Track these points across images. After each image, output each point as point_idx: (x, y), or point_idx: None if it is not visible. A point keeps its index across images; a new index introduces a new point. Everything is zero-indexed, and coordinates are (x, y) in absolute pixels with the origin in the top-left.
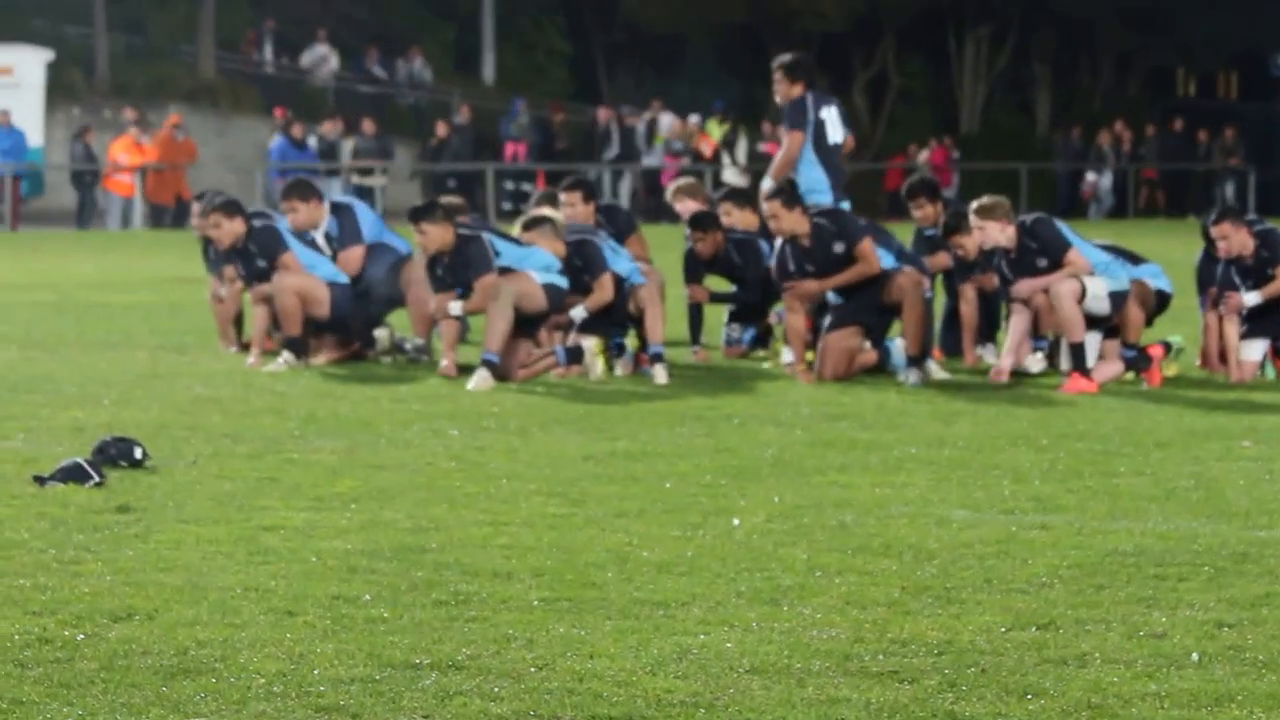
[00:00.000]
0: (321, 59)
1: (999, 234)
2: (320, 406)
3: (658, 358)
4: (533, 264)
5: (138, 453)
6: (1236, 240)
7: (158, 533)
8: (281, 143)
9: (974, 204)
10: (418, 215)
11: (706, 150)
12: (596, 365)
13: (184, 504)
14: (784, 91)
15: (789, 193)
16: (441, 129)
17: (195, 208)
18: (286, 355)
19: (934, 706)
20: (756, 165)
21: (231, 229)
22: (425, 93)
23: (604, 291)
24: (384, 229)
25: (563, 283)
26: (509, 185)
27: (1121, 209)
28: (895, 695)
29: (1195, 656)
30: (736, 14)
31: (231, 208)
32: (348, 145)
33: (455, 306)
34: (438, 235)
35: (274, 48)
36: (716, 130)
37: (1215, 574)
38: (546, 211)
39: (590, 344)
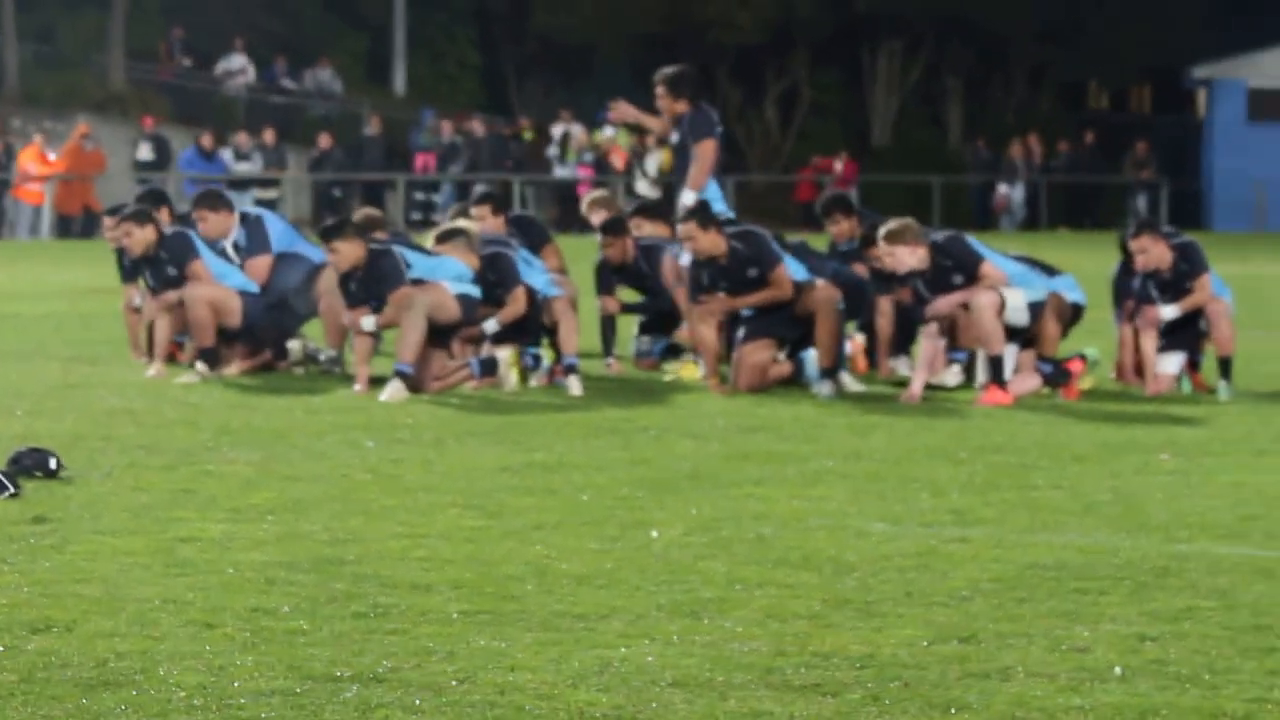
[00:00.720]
0: (239, 70)
1: (909, 257)
2: (234, 418)
3: (571, 369)
4: (445, 274)
5: (52, 463)
6: (1155, 253)
7: (74, 544)
8: (189, 153)
9: (881, 229)
10: (329, 234)
11: (618, 162)
12: (511, 377)
13: (100, 515)
14: (667, 106)
15: (703, 214)
16: (324, 141)
17: (108, 220)
18: (200, 366)
19: None
20: (668, 177)
21: (143, 237)
22: (336, 103)
23: (517, 305)
24: (297, 238)
25: (476, 292)
26: (419, 195)
27: (1034, 221)
28: (819, 709)
29: (1119, 670)
30: (650, 26)
31: (142, 216)
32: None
33: (368, 322)
34: (349, 252)
35: (185, 58)
36: (624, 140)
37: (1136, 588)
38: (461, 224)
39: (505, 355)
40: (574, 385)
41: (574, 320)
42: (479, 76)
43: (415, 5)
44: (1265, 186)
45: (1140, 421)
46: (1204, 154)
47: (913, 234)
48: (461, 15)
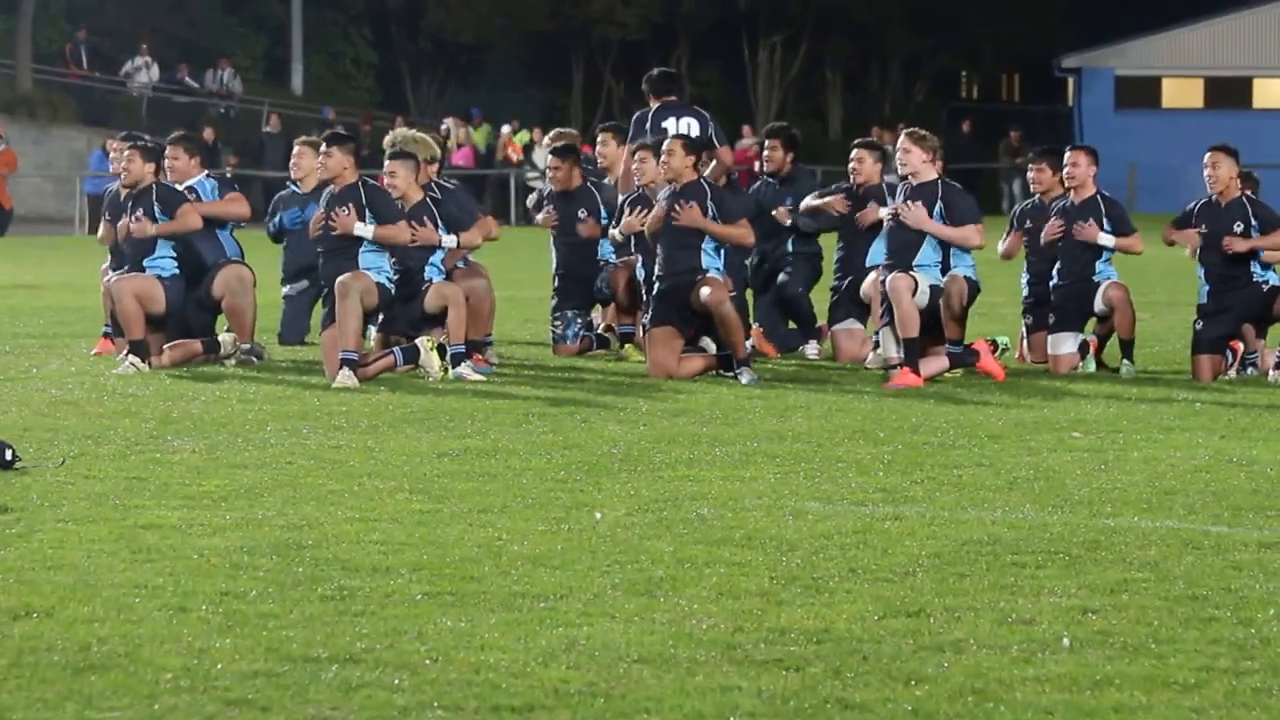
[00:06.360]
0: (141, 69)
1: (919, 163)
2: (174, 408)
3: (459, 358)
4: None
5: (8, 455)
6: (1084, 170)
7: (39, 532)
8: (97, 155)
9: (906, 129)
10: (333, 139)
11: (514, 158)
12: (434, 362)
13: (59, 504)
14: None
15: (694, 144)
16: (208, 134)
17: (113, 144)
18: (133, 359)
19: (823, 693)
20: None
21: (141, 170)
22: (236, 103)
23: (485, 227)
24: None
25: (390, 286)
26: None
27: None
28: (784, 683)
29: (1066, 642)
30: (539, 24)
31: (152, 153)
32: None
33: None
34: (341, 161)
35: (89, 60)
36: (481, 136)
37: (1071, 561)
38: (412, 148)
39: (424, 343)
40: (466, 372)
41: (463, 309)
42: (374, 75)
43: (312, 6)
44: (1134, 170)
45: (1048, 400)
46: (1074, 140)
47: (932, 147)
48: (357, 16)
